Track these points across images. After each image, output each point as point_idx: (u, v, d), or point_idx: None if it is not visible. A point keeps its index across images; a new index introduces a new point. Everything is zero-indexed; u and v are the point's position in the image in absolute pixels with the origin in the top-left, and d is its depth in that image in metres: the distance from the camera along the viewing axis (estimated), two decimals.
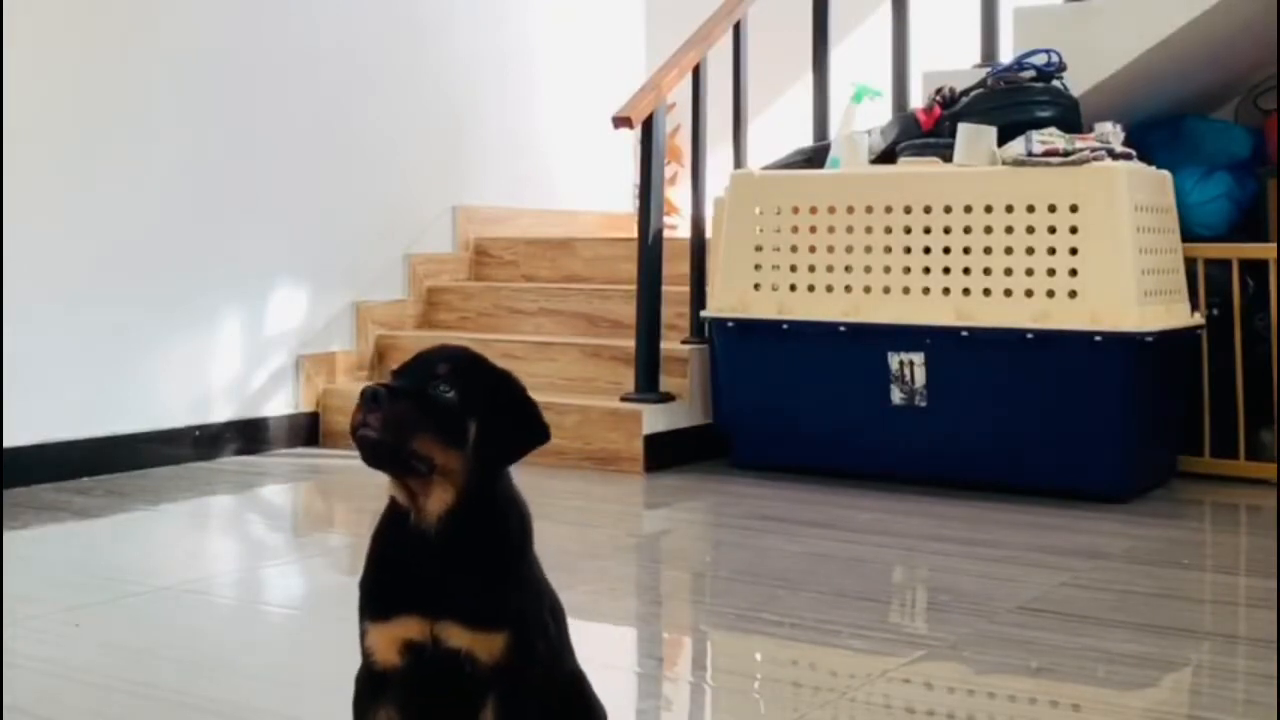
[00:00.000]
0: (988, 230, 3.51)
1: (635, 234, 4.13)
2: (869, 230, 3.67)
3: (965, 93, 3.86)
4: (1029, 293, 3.45)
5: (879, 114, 4.21)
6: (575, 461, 3.95)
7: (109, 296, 3.88)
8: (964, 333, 3.50)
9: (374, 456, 1.34)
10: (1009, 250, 3.48)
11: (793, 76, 5.13)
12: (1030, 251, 3.45)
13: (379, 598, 1.37)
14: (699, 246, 4.19)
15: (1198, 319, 3.67)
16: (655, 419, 3.92)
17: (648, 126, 3.99)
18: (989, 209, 3.51)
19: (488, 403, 1.37)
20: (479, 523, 1.37)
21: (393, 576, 1.37)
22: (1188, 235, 3.75)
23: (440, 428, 1.33)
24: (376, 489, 3.60)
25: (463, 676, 1.35)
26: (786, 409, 3.79)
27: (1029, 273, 3.45)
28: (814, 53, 4.47)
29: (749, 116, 4.38)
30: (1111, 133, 3.52)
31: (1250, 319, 3.71)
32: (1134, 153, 3.54)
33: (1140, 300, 3.36)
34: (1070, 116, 3.69)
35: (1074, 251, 3.40)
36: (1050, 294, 3.42)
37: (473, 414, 1.35)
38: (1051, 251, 3.42)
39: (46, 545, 3.06)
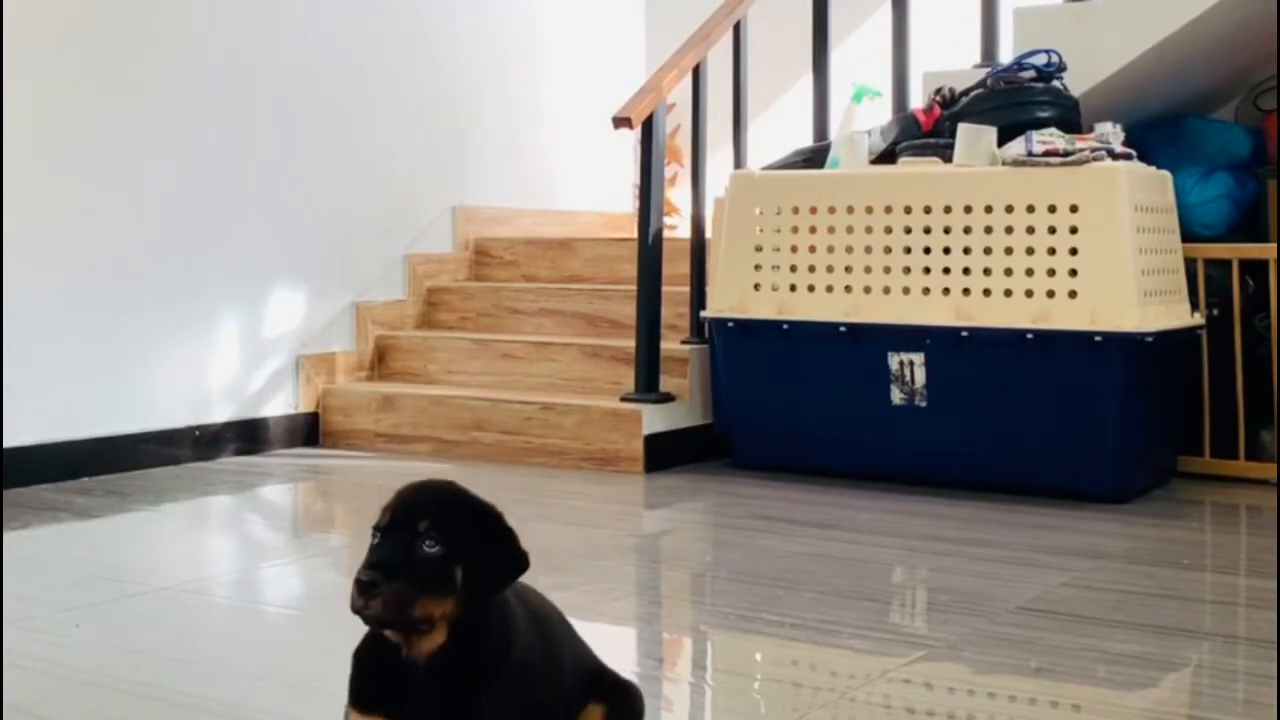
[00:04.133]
0: (988, 230, 3.51)
1: (635, 234, 4.13)
2: (869, 230, 3.67)
3: (965, 93, 3.86)
4: (1029, 293, 3.45)
5: (879, 114, 4.21)
6: (575, 461, 3.95)
7: (109, 297, 3.88)
8: (964, 333, 3.51)
9: (379, 627, 1.42)
10: (1009, 250, 3.48)
11: (793, 76, 5.13)
12: (1030, 251, 3.45)
13: (361, 693, 1.45)
14: (699, 246, 4.19)
15: (1198, 319, 3.67)
16: (655, 419, 3.92)
17: (648, 127, 3.99)
18: (989, 209, 3.51)
19: (471, 543, 1.43)
20: (465, 648, 1.43)
21: (377, 682, 1.44)
22: (1188, 235, 3.75)
23: (433, 587, 1.39)
24: (376, 489, 3.61)
25: None
26: (786, 409, 3.79)
27: (1029, 273, 3.45)
28: (814, 53, 4.47)
29: (749, 116, 4.38)
30: (1111, 133, 3.52)
31: (1250, 319, 3.72)
32: (1134, 153, 3.54)
33: (1140, 300, 3.36)
34: (1070, 116, 3.69)
35: (1074, 251, 3.40)
36: (1050, 294, 3.42)
37: (458, 560, 1.41)
38: (1051, 251, 3.42)
39: (46, 545, 3.06)
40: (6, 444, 3.57)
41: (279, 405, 4.33)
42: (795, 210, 3.79)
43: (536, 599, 1.59)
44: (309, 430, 4.39)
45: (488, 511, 1.47)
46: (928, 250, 3.59)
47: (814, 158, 4.00)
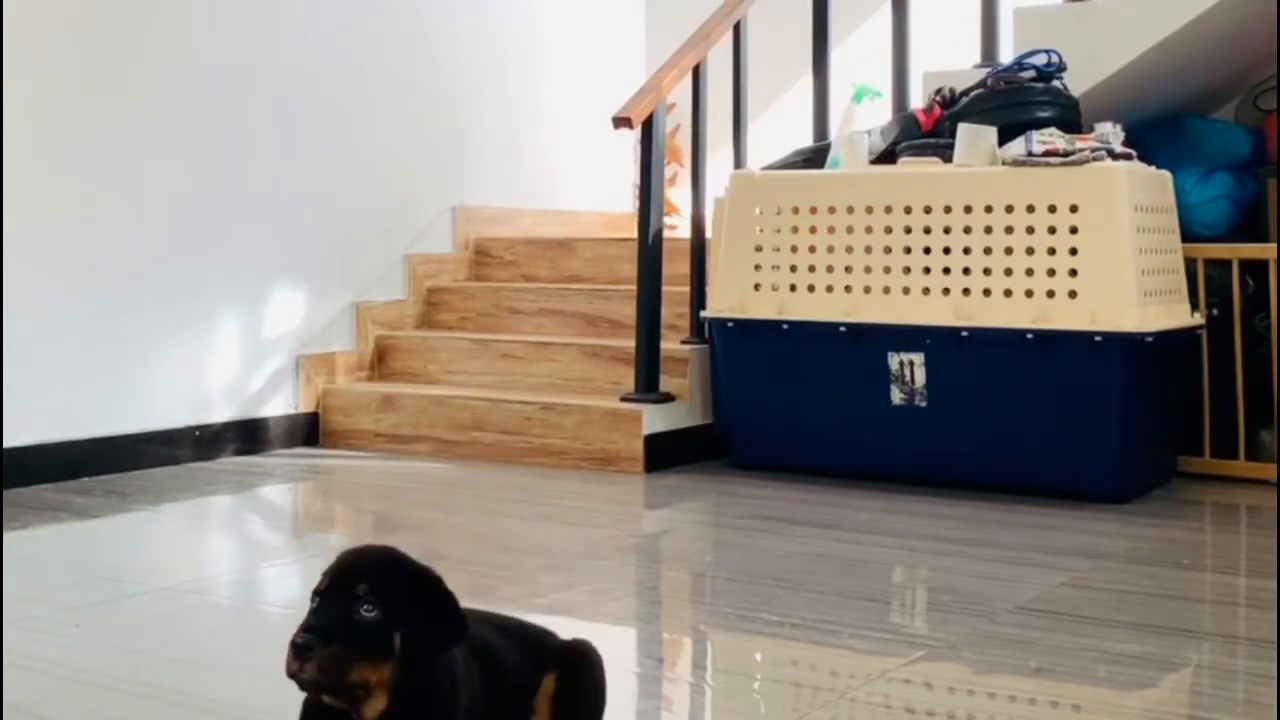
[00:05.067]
0: (988, 230, 3.51)
1: (635, 234, 4.13)
2: (869, 230, 3.67)
3: (965, 93, 3.86)
4: (1029, 293, 3.45)
5: (879, 114, 4.21)
6: (575, 461, 3.95)
7: (109, 297, 3.88)
8: (964, 333, 3.51)
9: (316, 692, 1.41)
10: (1009, 250, 3.48)
11: (793, 76, 5.13)
12: (1030, 252, 3.45)
13: None
14: (699, 246, 4.19)
15: (1198, 319, 3.67)
16: (655, 419, 3.92)
17: (648, 127, 3.99)
18: (989, 209, 3.51)
19: (410, 607, 1.42)
20: (411, 713, 1.43)
21: None
22: (1188, 235, 3.75)
23: (370, 652, 1.39)
24: (376, 489, 3.61)
25: None
26: (786, 409, 3.79)
27: (1029, 273, 3.45)
28: (814, 53, 4.47)
29: (749, 116, 4.38)
30: (1111, 133, 3.52)
31: (1250, 319, 3.72)
32: (1134, 153, 3.54)
33: (1140, 300, 3.36)
34: (1070, 116, 3.69)
35: (1074, 252, 3.40)
36: (1050, 294, 3.42)
37: (397, 625, 1.41)
38: (1051, 252, 3.42)
39: (46, 545, 3.06)
40: (6, 444, 3.57)
41: (279, 405, 4.33)
42: (795, 210, 3.79)
43: None
44: (309, 430, 4.38)
45: (427, 576, 1.46)
46: (928, 250, 3.59)
47: (814, 158, 4.00)
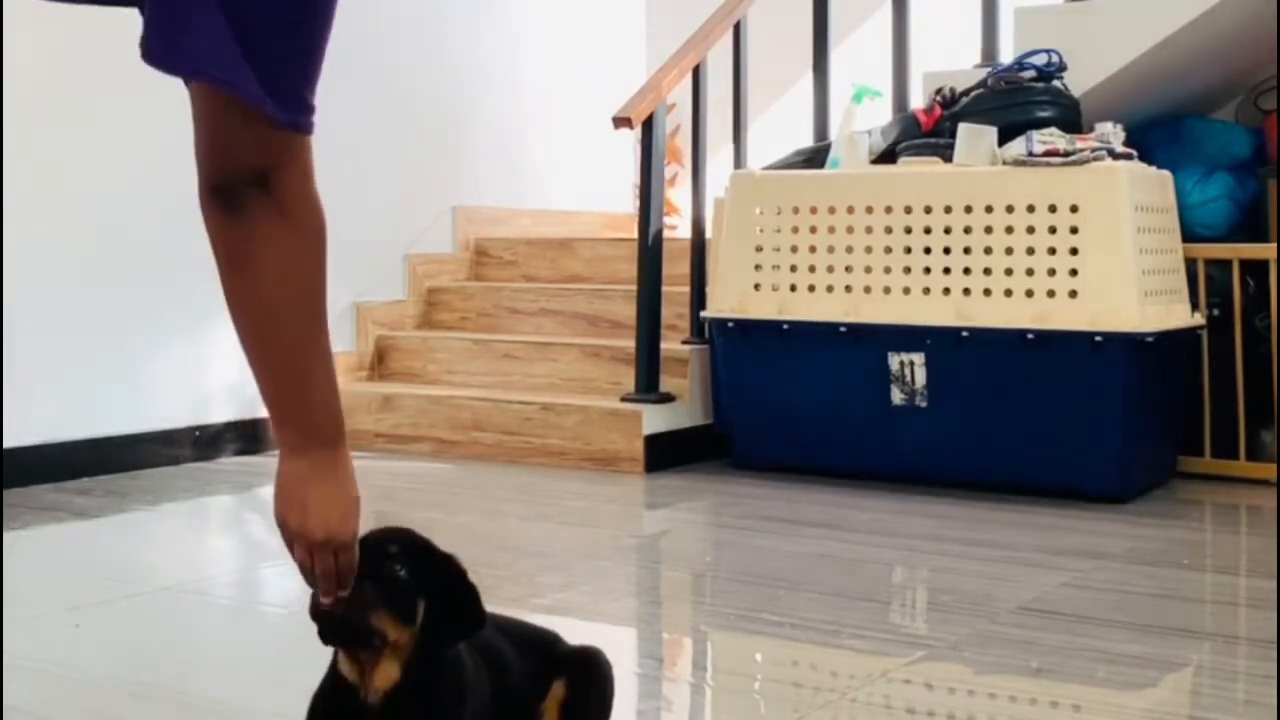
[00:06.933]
0: (988, 230, 3.51)
1: (635, 234, 4.13)
2: (869, 230, 3.67)
3: (965, 93, 3.86)
4: (1029, 293, 3.45)
5: (879, 114, 4.21)
6: (575, 462, 3.95)
7: (109, 297, 3.88)
8: (964, 333, 3.50)
9: (334, 633, 1.41)
10: (1009, 250, 3.48)
11: (793, 76, 5.13)
12: (1030, 251, 3.45)
13: None
14: (699, 246, 4.19)
15: (1198, 319, 3.67)
16: (655, 419, 3.92)
17: (648, 127, 3.99)
18: (989, 209, 3.51)
19: (436, 582, 1.44)
20: (419, 697, 1.43)
21: None
22: (1188, 235, 3.75)
23: (394, 605, 1.40)
24: (376, 490, 3.61)
25: None
26: (786, 409, 3.79)
27: (1029, 273, 3.45)
28: (814, 53, 4.47)
29: (749, 116, 4.38)
30: (1111, 133, 3.52)
31: (1250, 319, 3.71)
32: (1134, 153, 3.54)
33: (1140, 300, 3.36)
34: (1070, 116, 3.69)
35: (1074, 251, 3.40)
36: (1050, 294, 3.42)
37: (422, 593, 1.42)
38: (1051, 251, 3.43)
39: (46, 545, 3.06)
40: (6, 444, 3.57)
41: None
42: (795, 210, 3.79)
43: None
44: None
45: (454, 561, 1.49)
46: (928, 250, 3.59)
47: (814, 158, 4.00)
